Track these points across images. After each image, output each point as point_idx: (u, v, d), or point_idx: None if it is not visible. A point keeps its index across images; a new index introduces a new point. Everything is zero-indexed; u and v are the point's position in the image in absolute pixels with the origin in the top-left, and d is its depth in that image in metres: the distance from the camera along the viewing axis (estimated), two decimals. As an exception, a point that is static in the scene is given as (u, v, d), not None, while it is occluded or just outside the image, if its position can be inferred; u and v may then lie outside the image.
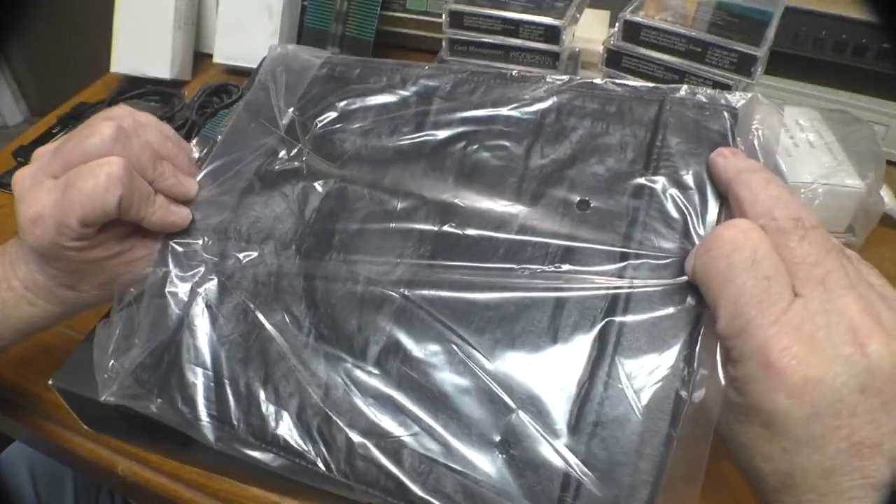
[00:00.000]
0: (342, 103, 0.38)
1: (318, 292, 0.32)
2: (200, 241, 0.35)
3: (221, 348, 0.32)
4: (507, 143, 0.34)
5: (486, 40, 0.56)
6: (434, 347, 0.29)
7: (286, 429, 0.30)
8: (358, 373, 0.30)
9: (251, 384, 0.31)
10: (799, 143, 0.52)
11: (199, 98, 0.65)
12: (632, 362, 0.27)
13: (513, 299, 0.29)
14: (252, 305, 0.32)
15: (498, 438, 0.27)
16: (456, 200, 0.33)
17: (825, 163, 0.49)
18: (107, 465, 0.40)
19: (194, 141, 0.39)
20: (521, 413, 0.27)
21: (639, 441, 0.25)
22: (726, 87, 0.46)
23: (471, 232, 0.32)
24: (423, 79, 0.38)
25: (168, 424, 0.32)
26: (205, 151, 0.38)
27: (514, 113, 0.35)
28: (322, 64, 0.41)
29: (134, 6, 0.71)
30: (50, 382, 0.36)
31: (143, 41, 0.71)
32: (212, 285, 0.34)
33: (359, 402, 0.29)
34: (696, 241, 0.28)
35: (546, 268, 0.30)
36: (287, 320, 0.32)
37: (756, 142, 0.30)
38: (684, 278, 0.28)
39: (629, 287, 0.28)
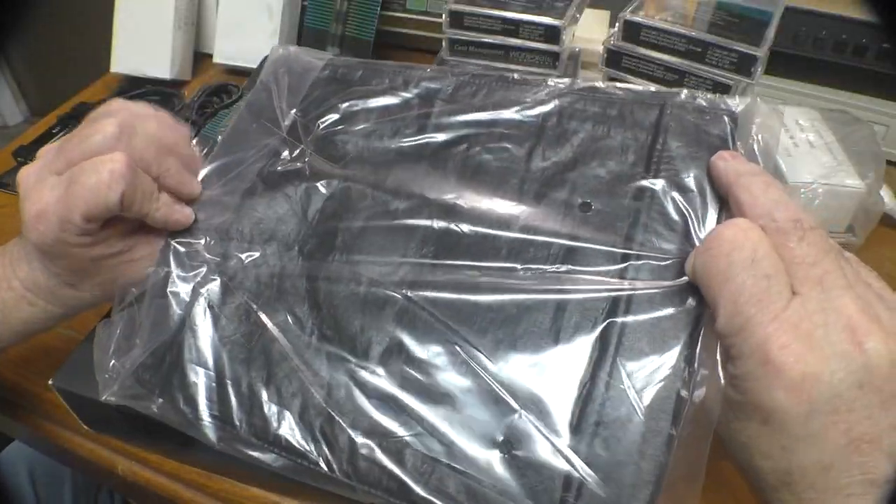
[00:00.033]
0: (344, 105, 0.38)
1: (321, 293, 0.32)
2: (202, 241, 0.35)
3: (223, 349, 0.32)
4: (508, 146, 0.34)
5: (486, 40, 0.56)
6: (437, 348, 0.29)
7: (288, 429, 0.30)
8: (361, 373, 0.30)
9: (253, 384, 0.31)
10: (799, 143, 0.52)
11: (199, 98, 0.65)
12: (633, 363, 0.27)
13: (515, 301, 0.29)
14: (255, 306, 0.32)
15: (500, 439, 0.27)
16: (458, 201, 0.33)
17: (825, 163, 0.49)
18: (107, 465, 0.40)
19: (194, 141, 0.39)
20: (523, 413, 0.27)
21: (640, 441, 0.25)
22: (726, 87, 0.46)
23: (473, 231, 0.32)
24: (425, 81, 0.38)
25: (169, 425, 0.32)
26: (205, 151, 0.38)
27: (516, 116, 0.35)
28: (324, 66, 0.41)
29: (134, 6, 0.71)
30: (50, 382, 0.36)
31: (143, 41, 0.71)
32: (214, 286, 0.34)
33: (362, 402, 0.29)
34: (697, 243, 0.28)
35: (548, 267, 0.30)
36: (290, 321, 0.32)
37: (756, 145, 0.31)
38: (685, 279, 0.28)
39: (630, 288, 0.28)
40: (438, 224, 0.33)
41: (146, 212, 0.33)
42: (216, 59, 0.72)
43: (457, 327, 0.30)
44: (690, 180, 0.30)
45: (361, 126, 0.37)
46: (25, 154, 0.62)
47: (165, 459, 0.39)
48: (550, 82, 0.36)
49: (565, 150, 0.33)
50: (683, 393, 0.26)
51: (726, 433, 0.25)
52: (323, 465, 0.29)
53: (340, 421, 0.29)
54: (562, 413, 0.27)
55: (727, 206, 0.29)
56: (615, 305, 0.28)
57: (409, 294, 0.31)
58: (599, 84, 0.36)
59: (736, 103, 0.32)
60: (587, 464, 0.26)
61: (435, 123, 0.36)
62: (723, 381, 0.25)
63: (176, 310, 0.33)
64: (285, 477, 0.30)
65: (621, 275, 0.29)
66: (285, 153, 0.37)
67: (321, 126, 0.38)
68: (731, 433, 0.24)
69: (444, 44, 0.57)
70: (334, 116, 0.38)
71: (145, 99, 0.68)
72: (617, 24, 0.49)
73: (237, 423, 0.30)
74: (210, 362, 0.32)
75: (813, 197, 0.48)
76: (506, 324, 0.29)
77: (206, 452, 0.34)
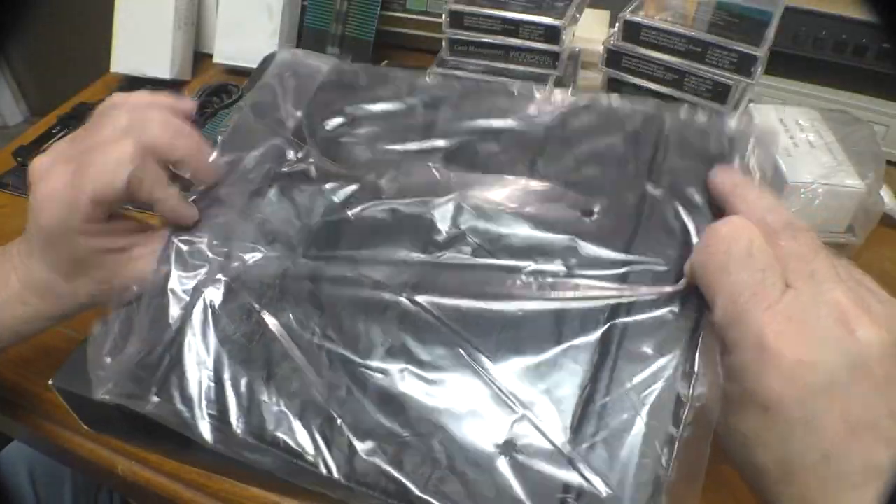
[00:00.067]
0: (350, 108, 0.39)
1: (325, 295, 0.32)
2: (205, 240, 0.35)
3: (223, 348, 0.32)
4: (513, 151, 0.35)
5: (486, 40, 0.56)
6: (440, 350, 0.29)
7: (287, 429, 0.29)
8: (362, 374, 0.30)
9: (253, 384, 0.31)
10: (799, 143, 0.52)
11: (199, 98, 0.65)
12: (634, 366, 0.27)
13: (518, 306, 0.30)
14: (257, 306, 0.32)
15: (502, 441, 0.27)
16: (463, 204, 0.33)
17: (825, 163, 0.49)
18: (107, 465, 0.40)
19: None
20: (525, 416, 0.27)
21: (641, 443, 0.25)
22: (726, 87, 0.46)
23: (477, 235, 0.32)
24: (430, 89, 0.38)
25: (166, 425, 0.32)
26: None
27: (520, 125, 0.36)
28: (331, 70, 0.41)
29: (134, 6, 0.71)
30: (50, 382, 0.36)
31: (143, 41, 0.71)
32: (216, 285, 0.33)
33: (362, 403, 0.29)
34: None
35: (550, 268, 0.30)
36: (292, 321, 0.32)
37: (752, 160, 0.32)
38: (683, 283, 0.28)
39: (631, 294, 0.29)
40: (444, 227, 0.33)
41: (156, 197, 0.33)
42: (216, 59, 0.72)
43: (460, 330, 0.30)
44: (690, 191, 0.31)
45: (367, 129, 0.38)
46: (25, 154, 0.62)
47: (165, 459, 0.38)
48: (556, 95, 0.37)
49: (567, 159, 0.34)
50: (683, 394, 0.26)
51: (726, 430, 0.25)
52: (322, 467, 0.29)
53: (340, 421, 0.29)
54: (563, 415, 0.27)
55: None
56: (616, 309, 0.29)
57: (413, 297, 0.31)
58: (602, 95, 0.36)
59: (733, 117, 0.33)
60: (588, 465, 0.26)
61: (440, 129, 0.37)
62: (721, 376, 0.25)
63: (175, 308, 0.33)
64: (284, 478, 0.30)
65: (622, 279, 0.29)
66: (291, 154, 0.37)
67: (327, 128, 0.38)
68: (731, 428, 0.24)
69: (444, 44, 0.57)
70: (340, 119, 0.38)
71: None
72: (617, 24, 0.49)
73: (235, 423, 0.30)
74: (209, 362, 0.32)
75: (813, 197, 0.48)
76: (508, 328, 0.29)
77: (206, 452, 0.34)
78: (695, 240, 0.29)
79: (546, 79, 0.56)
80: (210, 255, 0.34)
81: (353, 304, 0.32)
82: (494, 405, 0.28)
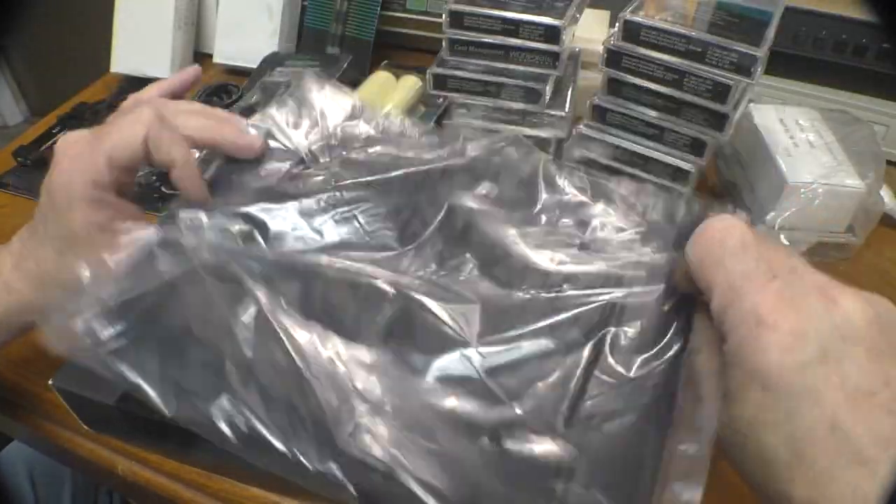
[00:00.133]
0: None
1: (321, 281, 0.32)
2: (205, 218, 0.34)
3: (205, 319, 0.31)
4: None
5: (486, 40, 0.56)
6: (429, 336, 0.30)
7: (258, 401, 0.28)
8: (350, 354, 0.29)
9: (223, 355, 0.30)
10: (799, 143, 0.52)
11: (199, 98, 0.65)
12: (627, 359, 0.28)
13: (514, 304, 0.30)
14: (250, 283, 0.31)
15: (489, 429, 0.27)
16: (470, 222, 0.34)
17: (825, 163, 0.50)
18: (107, 465, 0.40)
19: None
20: (514, 405, 0.27)
21: (634, 432, 0.26)
22: (726, 87, 0.46)
23: (476, 251, 0.33)
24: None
25: (120, 385, 0.30)
26: (205, 151, 0.38)
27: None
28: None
29: (134, 6, 0.71)
30: (50, 382, 0.36)
31: (143, 41, 0.71)
32: (209, 258, 0.32)
33: (344, 383, 0.29)
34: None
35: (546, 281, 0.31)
36: (282, 301, 0.31)
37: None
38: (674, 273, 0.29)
39: (627, 291, 0.30)
40: (442, 246, 0.34)
41: (173, 157, 0.34)
42: (216, 59, 0.72)
43: (452, 324, 0.30)
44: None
45: (378, 148, 0.39)
46: (25, 154, 0.62)
47: (165, 459, 0.39)
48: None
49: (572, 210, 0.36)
50: (676, 385, 0.27)
51: (728, 424, 0.25)
52: (287, 448, 0.28)
53: (321, 399, 0.28)
54: (554, 407, 0.27)
55: None
56: (611, 306, 0.29)
57: (409, 293, 0.31)
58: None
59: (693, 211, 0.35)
60: (579, 453, 0.26)
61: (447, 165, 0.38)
62: (719, 374, 0.25)
63: (159, 270, 0.32)
64: (283, 477, 0.30)
65: (617, 284, 0.30)
66: (306, 162, 0.38)
67: (345, 150, 0.39)
68: (734, 419, 0.24)
69: (444, 44, 0.57)
70: (358, 143, 0.39)
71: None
72: (617, 24, 0.49)
73: (198, 392, 0.29)
74: (182, 326, 0.30)
75: (813, 197, 0.48)
76: (502, 320, 0.30)
77: (206, 452, 0.34)
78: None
79: (546, 79, 0.56)
80: (208, 231, 0.34)
81: (350, 291, 0.31)
82: (484, 396, 0.28)
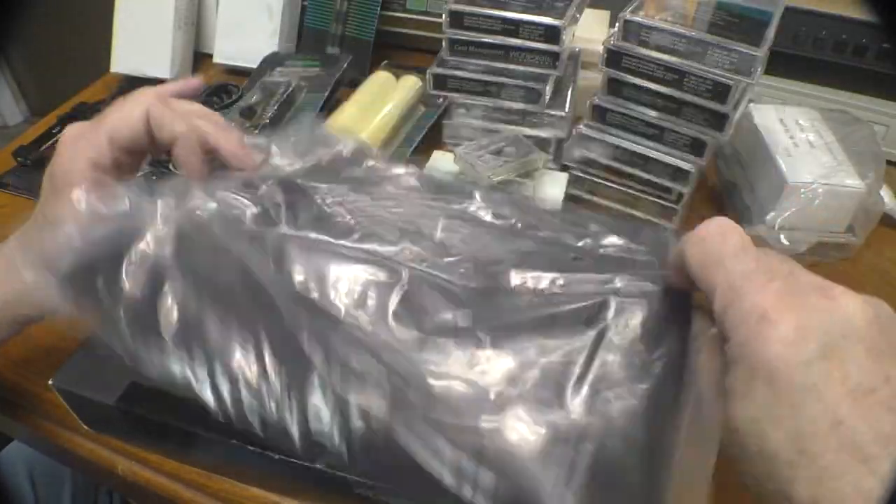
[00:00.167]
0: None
1: (319, 249, 0.32)
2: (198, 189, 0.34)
3: (181, 271, 0.30)
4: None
5: (486, 40, 0.56)
6: (432, 304, 0.30)
7: (240, 359, 0.28)
8: (344, 324, 0.29)
9: (202, 312, 0.29)
10: (799, 143, 0.52)
11: (198, 98, 0.65)
12: (630, 345, 0.29)
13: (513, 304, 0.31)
14: (233, 246, 0.31)
15: (492, 399, 0.27)
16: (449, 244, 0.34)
17: (825, 163, 0.50)
18: (107, 465, 0.40)
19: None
20: (517, 381, 0.27)
21: (640, 418, 0.26)
22: (726, 87, 0.46)
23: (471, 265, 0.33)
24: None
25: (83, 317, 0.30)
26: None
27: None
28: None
29: (134, 6, 0.71)
30: (50, 382, 0.36)
31: (143, 41, 0.71)
32: (190, 215, 0.32)
33: (340, 350, 0.28)
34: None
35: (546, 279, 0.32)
36: (269, 267, 0.30)
37: None
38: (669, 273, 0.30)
39: (625, 289, 0.30)
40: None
41: (176, 133, 0.34)
42: (216, 59, 0.72)
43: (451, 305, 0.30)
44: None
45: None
46: (25, 154, 0.62)
47: (165, 459, 0.38)
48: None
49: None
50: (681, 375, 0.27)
51: (730, 421, 0.25)
52: (272, 406, 0.27)
53: (313, 375, 0.27)
54: (558, 393, 0.27)
55: None
56: (609, 304, 0.30)
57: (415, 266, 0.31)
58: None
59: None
60: (583, 426, 0.26)
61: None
62: (719, 372, 0.26)
63: (139, 217, 0.31)
64: (284, 476, 0.30)
65: (614, 290, 0.31)
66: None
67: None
68: (737, 417, 0.24)
69: (444, 44, 0.57)
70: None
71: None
72: (617, 24, 0.49)
73: (169, 339, 0.28)
74: (160, 278, 0.30)
75: (813, 197, 0.48)
76: (505, 313, 0.30)
77: (206, 452, 0.34)
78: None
79: (546, 79, 0.56)
80: (197, 193, 0.33)
81: (353, 264, 0.31)
82: (486, 373, 0.28)
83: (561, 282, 0.32)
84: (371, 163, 0.41)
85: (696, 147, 0.50)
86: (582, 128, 0.53)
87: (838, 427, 0.22)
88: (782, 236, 0.49)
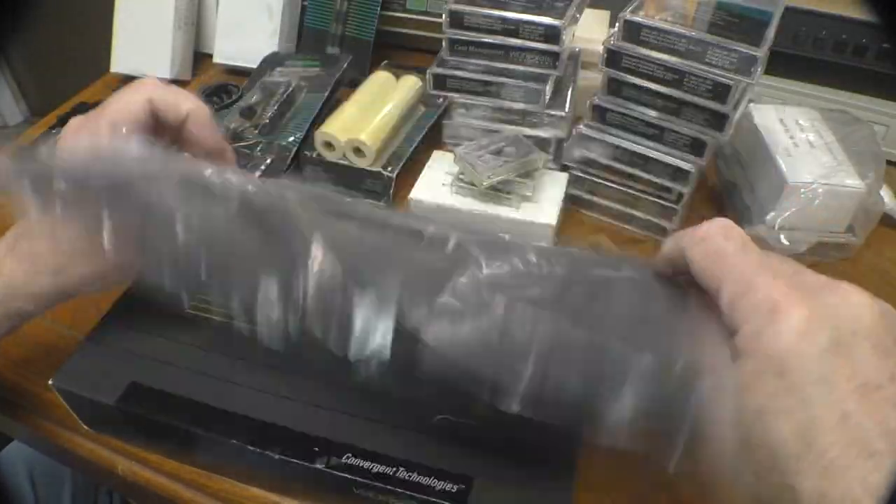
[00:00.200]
0: None
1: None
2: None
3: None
4: None
5: (486, 40, 0.56)
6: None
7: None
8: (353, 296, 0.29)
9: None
10: (799, 143, 0.52)
11: (198, 98, 0.65)
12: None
13: None
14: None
15: None
16: None
17: (825, 163, 0.50)
18: (107, 465, 0.40)
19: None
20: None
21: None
22: (726, 87, 0.46)
23: None
24: None
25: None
26: None
27: None
28: None
29: (134, 6, 0.71)
30: (50, 382, 0.36)
31: (143, 41, 0.71)
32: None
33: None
34: None
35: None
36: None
37: None
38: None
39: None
40: None
41: (184, 110, 0.34)
42: (216, 59, 0.72)
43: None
44: None
45: None
46: (25, 154, 0.62)
47: (165, 459, 0.38)
48: None
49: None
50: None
51: (732, 418, 0.25)
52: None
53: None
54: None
55: None
56: None
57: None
58: None
59: None
60: None
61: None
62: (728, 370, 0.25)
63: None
64: (283, 476, 0.30)
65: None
66: None
67: None
68: (742, 408, 0.24)
69: (444, 44, 0.57)
70: None
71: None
72: (617, 24, 0.49)
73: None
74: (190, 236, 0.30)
75: (813, 197, 0.48)
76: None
77: (206, 452, 0.34)
78: None
79: (546, 79, 0.56)
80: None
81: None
82: None
83: None
84: None
85: (696, 147, 0.50)
86: (582, 128, 0.54)
87: (846, 421, 0.22)
88: (782, 236, 0.49)
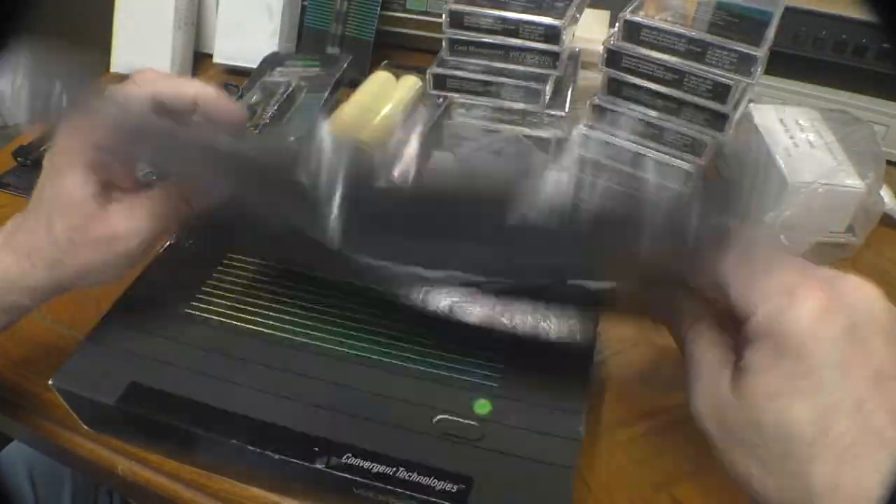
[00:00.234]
0: None
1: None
2: None
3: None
4: None
5: (486, 40, 0.56)
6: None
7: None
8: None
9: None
10: (799, 143, 0.52)
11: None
12: None
13: None
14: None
15: None
16: None
17: (825, 163, 0.50)
18: (107, 465, 0.40)
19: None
20: None
21: None
22: (726, 87, 0.46)
23: None
24: None
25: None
26: None
27: None
28: None
29: (134, 6, 0.71)
30: (50, 382, 0.36)
31: (143, 41, 0.71)
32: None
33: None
34: None
35: None
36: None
37: None
38: None
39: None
40: None
41: (192, 92, 0.35)
42: (216, 59, 0.72)
43: None
44: None
45: None
46: (25, 154, 0.62)
47: (165, 459, 0.38)
48: None
49: None
50: None
51: (743, 402, 0.24)
52: None
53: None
54: None
55: None
56: None
57: None
58: None
59: None
60: None
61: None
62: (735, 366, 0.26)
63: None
64: (284, 475, 0.30)
65: None
66: None
67: None
68: (753, 394, 0.24)
69: (444, 44, 0.57)
70: None
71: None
72: (617, 24, 0.49)
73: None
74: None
75: (813, 197, 0.48)
76: None
77: (206, 452, 0.34)
78: None
79: (546, 79, 0.56)
80: None
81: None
82: None
83: None
84: None
85: (696, 147, 0.50)
86: (582, 128, 0.53)
87: (861, 408, 0.22)
88: (782, 236, 0.49)
